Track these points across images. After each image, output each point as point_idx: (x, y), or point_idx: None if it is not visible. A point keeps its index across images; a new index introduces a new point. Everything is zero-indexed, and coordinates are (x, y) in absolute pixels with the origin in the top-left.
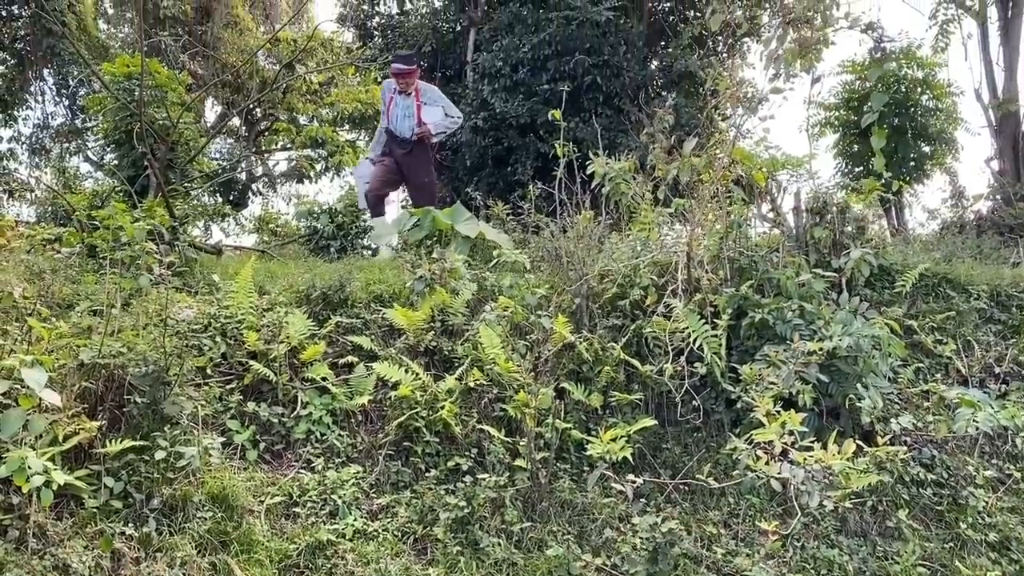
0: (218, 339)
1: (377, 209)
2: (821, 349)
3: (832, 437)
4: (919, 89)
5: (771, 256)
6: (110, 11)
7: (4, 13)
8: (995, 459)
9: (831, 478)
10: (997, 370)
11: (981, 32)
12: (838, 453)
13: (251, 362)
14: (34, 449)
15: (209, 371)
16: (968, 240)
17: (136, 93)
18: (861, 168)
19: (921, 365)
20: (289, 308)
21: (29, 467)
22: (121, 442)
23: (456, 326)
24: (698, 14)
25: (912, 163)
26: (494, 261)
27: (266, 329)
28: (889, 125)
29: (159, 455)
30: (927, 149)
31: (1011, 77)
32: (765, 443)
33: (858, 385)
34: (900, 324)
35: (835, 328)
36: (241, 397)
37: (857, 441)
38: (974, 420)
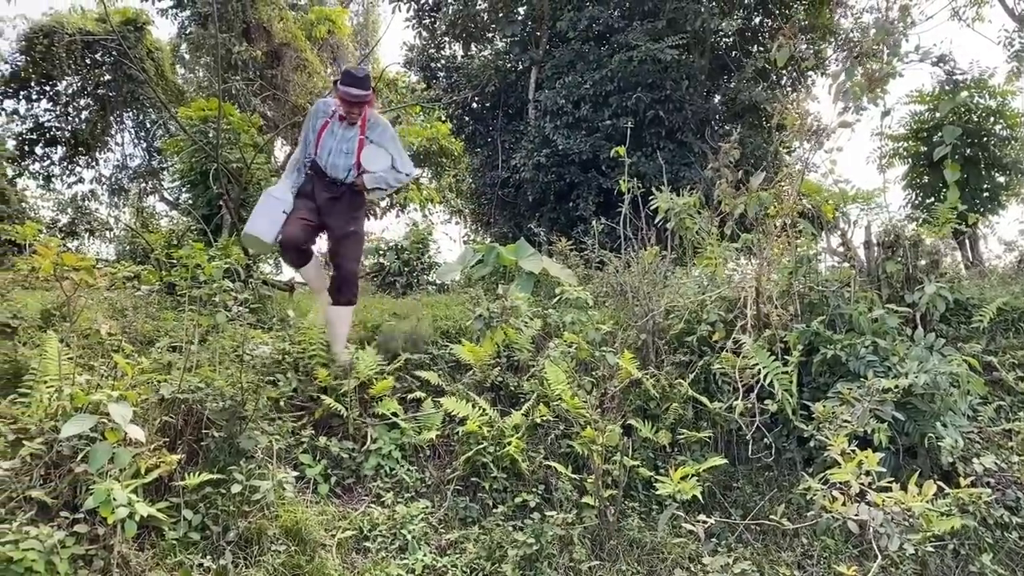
0: (290, 374)
1: (298, 259)
2: (897, 386)
3: (912, 478)
4: (992, 119)
5: (842, 291)
6: (186, 56)
7: (88, 61)
8: None
9: (911, 520)
10: None
11: None
12: (919, 494)
13: (322, 396)
14: (119, 481)
15: (282, 404)
16: None
17: (211, 135)
18: (932, 200)
19: (1003, 403)
20: (358, 344)
21: (114, 499)
22: (199, 475)
23: (522, 362)
24: (761, 48)
25: (986, 194)
26: (557, 297)
27: (336, 365)
28: (961, 156)
29: (235, 488)
30: (1002, 180)
31: None
32: (841, 483)
33: (937, 424)
34: (979, 360)
35: (911, 365)
36: (313, 431)
37: (938, 482)
38: None
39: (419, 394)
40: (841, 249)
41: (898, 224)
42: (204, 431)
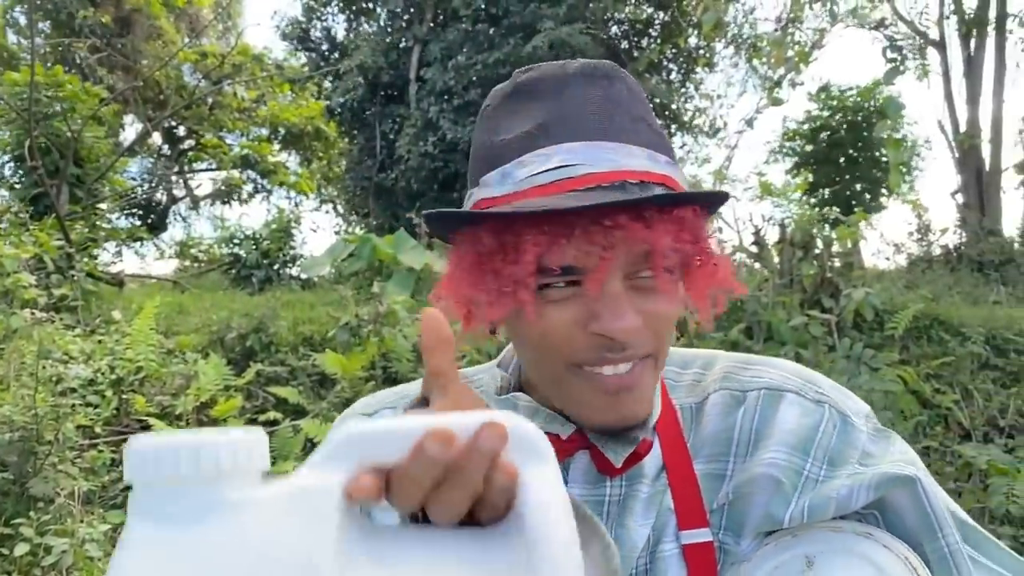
0: (108, 393)
1: None
2: None
3: None
4: (874, 119)
5: (758, 295)
6: (21, 20)
7: None
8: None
9: None
10: (1001, 422)
11: (943, 65)
12: None
13: (152, 420)
14: None
15: (99, 430)
16: (942, 276)
17: (41, 104)
18: (816, 199)
19: (921, 418)
20: (200, 352)
21: None
22: None
23: (401, 374)
24: (652, 42)
25: (867, 194)
26: None
27: (172, 379)
28: (846, 156)
29: (19, 550)
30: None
31: (974, 110)
32: None
33: None
34: (909, 374)
35: (838, 379)
36: None
37: None
38: (1012, 494)
39: (274, 415)
40: (754, 248)
41: (810, 223)
42: None
